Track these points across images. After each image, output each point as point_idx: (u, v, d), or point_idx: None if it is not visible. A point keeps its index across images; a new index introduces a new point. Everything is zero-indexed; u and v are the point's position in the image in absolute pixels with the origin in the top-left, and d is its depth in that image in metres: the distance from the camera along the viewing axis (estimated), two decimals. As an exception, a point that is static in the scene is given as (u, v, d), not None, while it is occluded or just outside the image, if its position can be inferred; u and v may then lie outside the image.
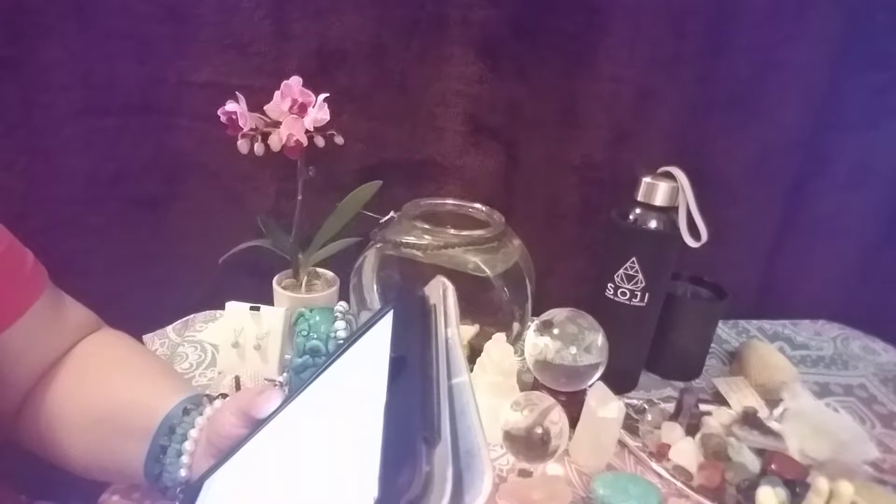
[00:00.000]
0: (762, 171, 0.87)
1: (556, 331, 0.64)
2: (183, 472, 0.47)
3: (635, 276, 0.67)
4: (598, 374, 0.63)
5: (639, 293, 0.68)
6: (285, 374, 0.65)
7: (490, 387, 0.64)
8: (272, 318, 0.67)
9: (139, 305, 0.81)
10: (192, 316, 0.85)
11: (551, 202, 0.88)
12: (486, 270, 0.69)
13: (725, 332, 0.93)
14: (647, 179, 0.67)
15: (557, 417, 0.54)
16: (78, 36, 0.70)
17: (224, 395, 0.52)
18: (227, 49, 0.74)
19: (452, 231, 0.71)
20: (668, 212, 0.67)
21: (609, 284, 0.69)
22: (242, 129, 0.60)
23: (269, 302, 0.74)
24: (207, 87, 0.75)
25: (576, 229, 0.88)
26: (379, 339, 0.36)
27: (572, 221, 0.88)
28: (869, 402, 0.78)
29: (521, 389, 0.66)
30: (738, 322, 0.96)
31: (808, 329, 0.96)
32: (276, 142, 0.61)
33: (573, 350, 0.63)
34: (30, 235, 0.53)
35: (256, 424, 0.44)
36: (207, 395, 0.52)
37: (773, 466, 0.57)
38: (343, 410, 0.35)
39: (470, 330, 0.78)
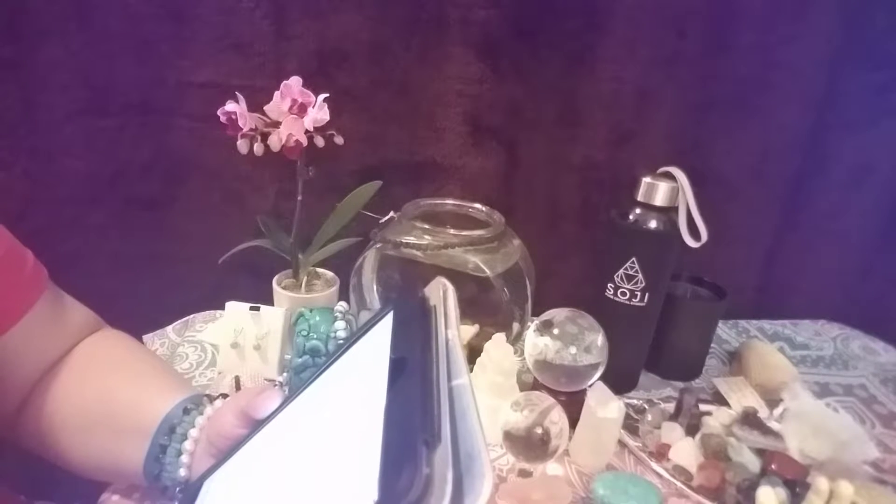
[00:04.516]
0: (762, 171, 0.87)
1: (556, 331, 0.64)
2: (182, 472, 0.47)
3: (635, 277, 0.67)
4: (598, 374, 0.63)
5: (639, 293, 0.68)
6: (285, 374, 0.65)
7: (490, 387, 0.64)
8: (272, 318, 0.67)
9: (139, 305, 0.81)
10: (192, 316, 0.85)
11: (551, 202, 0.88)
12: (486, 270, 0.69)
13: (725, 332, 0.93)
14: (647, 179, 0.67)
15: (557, 417, 0.54)
16: (78, 36, 0.70)
17: (224, 395, 0.52)
18: (227, 49, 0.74)
19: (452, 231, 0.71)
20: (668, 212, 0.67)
21: (609, 284, 0.69)
22: (242, 129, 0.60)
23: (269, 302, 0.74)
24: (207, 87, 0.75)
25: (576, 229, 0.88)
26: (379, 341, 0.36)
27: (572, 221, 0.88)
28: (869, 402, 0.78)
29: (521, 389, 0.66)
30: (738, 322, 0.96)
31: (808, 329, 0.96)
32: (275, 142, 0.61)
33: (573, 350, 0.63)
34: (30, 236, 0.53)
35: (256, 424, 0.44)
36: (207, 395, 0.52)
37: (773, 466, 0.57)
38: (343, 412, 0.35)
39: (470, 330, 0.78)
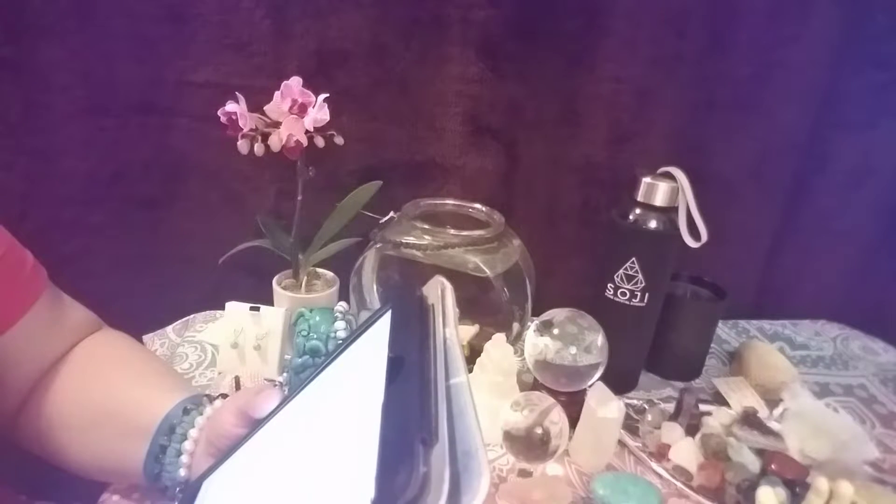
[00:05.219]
0: (762, 171, 0.87)
1: (556, 331, 0.64)
2: (182, 472, 0.48)
3: (635, 277, 0.67)
4: (598, 374, 0.63)
5: (639, 293, 0.68)
6: (285, 375, 0.65)
7: (490, 387, 0.64)
8: (272, 318, 0.67)
9: (139, 305, 0.81)
10: (192, 316, 0.85)
11: (551, 202, 0.88)
12: (486, 270, 0.69)
13: (725, 332, 0.93)
14: (647, 179, 0.67)
15: (557, 417, 0.54)
16: (78, 36, 0.70)
17: (224, 396, 0.53)
18: (227, 49, 0.74)
19: (452, 231, 0.71)
20: (668, 212, 0.67)
21: (609, 284, 0.69)
22: (242, 129, 0.60)
23: (269, 302, 0.74)
24: (207, 87, 0.75)
25: (576, 229, 0.88)
26: (377, 340, 0.36)
27: (572, 221, 0.88)
28: (869, 402, 0.77)
29: (521, 389, 0.66)
30: (738, 322, 0.96)
31: (808, 329, 0.96)
32: (275, 142, 0.61)
33: (573, 350, 0.63)
34: (30, 236, 0.53)
35: (255, 424, 0.44)
36: (207, 395, 0.52)
37: (773, 466, 0.57)
38: (341, 411, 0.35)
39: (470, 330, 0.78)
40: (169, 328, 0.83)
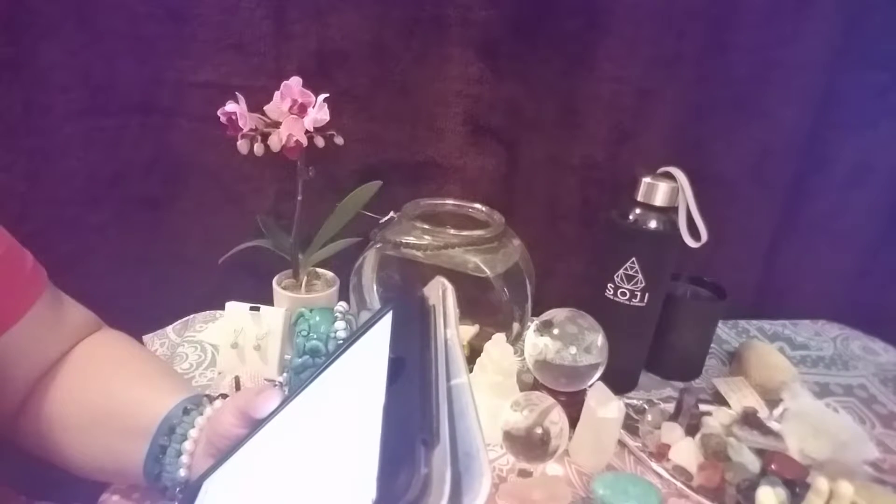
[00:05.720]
0: (762, 171, 0.87)
1: (556, 331, 0.64)
2: (182, 472, 0.48)
3: (635, 277, 0.67)
4: (598, 374, 0.63)
5: (639, 293, 0.68)
6: (285, 375, 0.65)
7: (490, 387, 0.64)
8: (272, 318, 0.67)
9: (139, 305, 0.81)
10: (192, 316, 0.85)
11: (551, 202, 0.88)
12: (486, 270, 0.69)
13: (725, 332, 0.93)
14: (647, 179, 0.67)
15: (557, 417, 0.54)
16: (78, 36, 0.70)
17: (224, 396, 0.52)
18: (227, 49, 0.74)
19: (452, 231, 0.71)
20: (668, 212, 0.67)
21: (609, 284, 0.69)
22: (242, 129, 0.60)
23: (269, 302, 0.74)
24: (207, 87, 0.75)
25: (576, 229, 0.88)
26: (378, 340, 0.36)
27: (572, 221, 0.88)
28: (869, 402, 0.77)
29: (521, 389, 0.66)
30: (738, 322, 0.96)
31: (808, 329, 0.96)
32: (275, 142, 0.61)
33: (573, 350, 0.63)
34: (30, 236, 0.53)
35: (256, 424, 0.44)
36: (207, 396, 0.52)
37: (773, 466, 0.57)
38: (342, 411, 0.35)
39: (470, 330, 0.78)
40: (169, 328, 0.83)
